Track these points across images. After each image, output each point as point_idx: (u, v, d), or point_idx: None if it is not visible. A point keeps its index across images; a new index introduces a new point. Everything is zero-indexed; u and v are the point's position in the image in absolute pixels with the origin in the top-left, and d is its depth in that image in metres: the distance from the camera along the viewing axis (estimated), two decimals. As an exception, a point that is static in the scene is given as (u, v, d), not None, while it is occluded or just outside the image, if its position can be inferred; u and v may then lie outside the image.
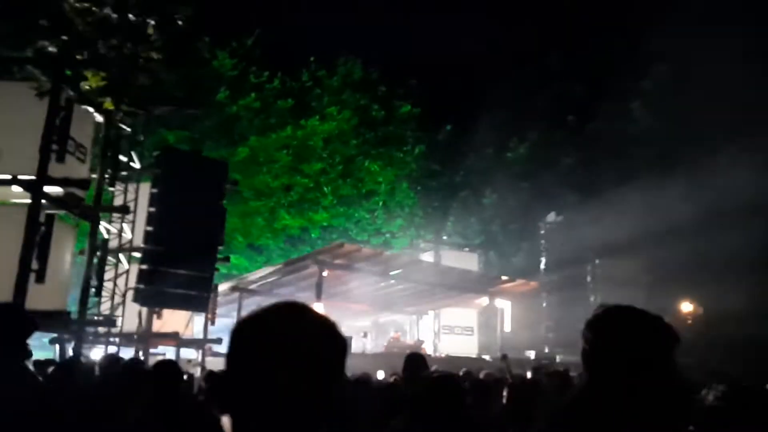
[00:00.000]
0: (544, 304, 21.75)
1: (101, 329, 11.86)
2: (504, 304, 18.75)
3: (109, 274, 12.14)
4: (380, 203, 25.69)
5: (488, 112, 22.90)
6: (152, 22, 9.83)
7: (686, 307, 23.09)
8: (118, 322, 11.79)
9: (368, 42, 25.11)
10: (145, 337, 12.39)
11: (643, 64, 23.44)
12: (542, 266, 22.33)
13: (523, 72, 24.05)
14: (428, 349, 17.86)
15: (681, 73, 21.30)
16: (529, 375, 7.87)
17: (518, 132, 25.75)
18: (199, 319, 14.89)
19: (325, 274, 14.51)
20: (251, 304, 17.37)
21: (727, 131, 19.32)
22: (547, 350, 21.26)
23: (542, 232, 22.85)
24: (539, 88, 24.12)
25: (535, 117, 24.74)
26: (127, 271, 12.44)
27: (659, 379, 1.50)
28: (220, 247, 13.21)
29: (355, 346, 14.87)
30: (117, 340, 12.33)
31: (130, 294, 11.89)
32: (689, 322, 23.01)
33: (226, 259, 14.87)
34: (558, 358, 19.96)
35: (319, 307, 12.64)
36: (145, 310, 12.33)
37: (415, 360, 4.39)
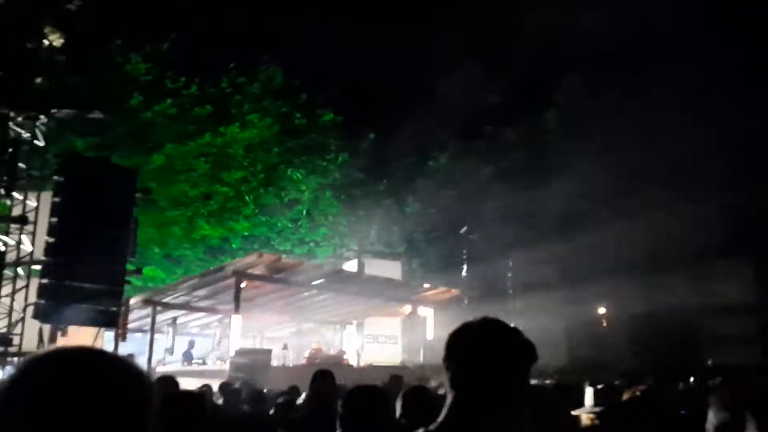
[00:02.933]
0: (466, 312, 22.01)
1: (-3, 349, 11.05)
2: (427, 312, 18.79)
3: (6, 290, 11.35)
4: (303, 212, 25.35)
5: (410, 122, 23.08)
6: (53, 20, 9.23)
7: (600, 310, 24.07)
8: (16, 341, 11.00)
9: (289, 49, 24.80)
10: (47, 356, 11.59)
11: (558, 76, 24.29)
12: (464, 273, 22.64)
13: (444, 82, 24.40)
14: (351, 359, 17.67)
15: (594, 87, 22.19)
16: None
17: (440, 141, 26.07)
18: (108, 335, 14.15)
19: (243, 285, 14.07)
20: (166, 318, 16.70)
21: (635, 142, 20.23)
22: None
23: (464, 239, 23.17)
24: (460, 99, 24.51)
25: (456, 127, 25.13)
26: (27, 286, 11.65)
27: (517, 394, 1.48)
28: (132, 259, 12.62)
29: (276, 359, 14.49)
30: (15, 360, 11.50)
31: (30, 310, 11.13)
32: (604, 324, 24.00)
33: (138, 271, 14.23)
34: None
35: (237, 319, 12.23)
36: (47, 327, 11.57)
37: (322, 376, 4.24)
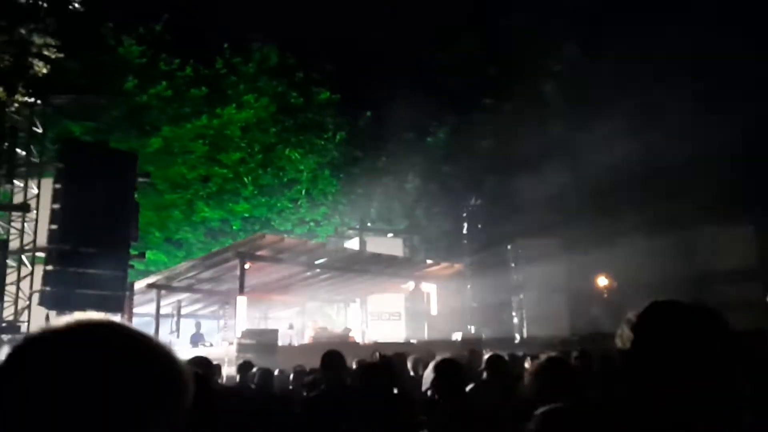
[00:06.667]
0: (468, 286, 22.09)
1: (5, 336, 11.07)
2: (430, 288, 18.85)
3: (11, 278, 11.34)
4: (303, 192, 25.29)
5: (407, 97, 22.89)
6: (44, 5, 9.07)
7: (602, 281, 24.09)
8: (23, 328, 11.03)
9: (282, 26, 24.47)
10: (55, 343, 11.63)
11: (555, 44, 24.07)
12: (465, 248, 22.62)
13: (439, 56, 24.19)
14: (356, 337, 17.76)
15: (591, 54, 22.00)
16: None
17: (437, 116, 25.86)
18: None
19: (247, 266, 14.09)
20: (171, 302, 16.73)
21: (637, 111, 20.11)
22: (472, 330, 21.64)
23: (465, 214, 23.14)
24: (456, 72, 24.31)
25: (453, 100, 24.93)
26: (32, 273, 11.65)
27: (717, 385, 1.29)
28: (134, 243, 12.61)
29: (282, 339, 14.55)
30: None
31: (35, 297, 11.15)
32: (605, 295, 24.06)
33: (142, 255, 14.25)
34: (483, 337, 20.38)
35: (242, 301, 12.23)
36: (53, 313, 11.61)
37: (334, 356, 4.31)
